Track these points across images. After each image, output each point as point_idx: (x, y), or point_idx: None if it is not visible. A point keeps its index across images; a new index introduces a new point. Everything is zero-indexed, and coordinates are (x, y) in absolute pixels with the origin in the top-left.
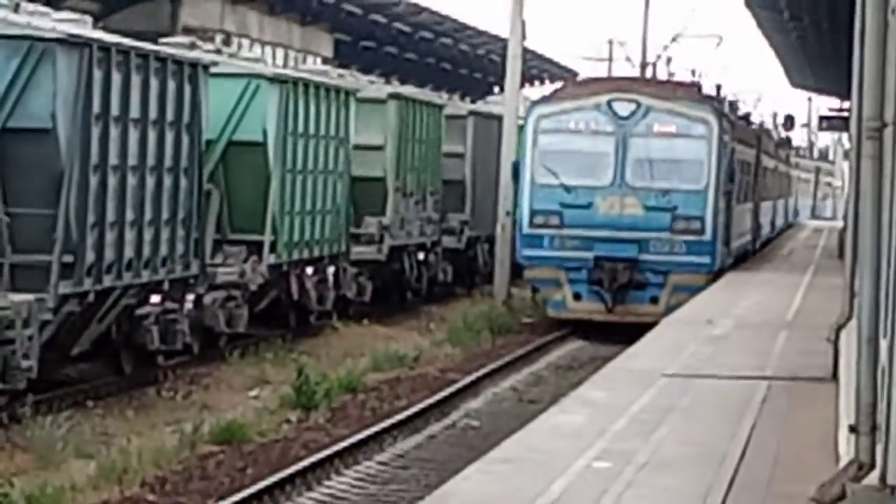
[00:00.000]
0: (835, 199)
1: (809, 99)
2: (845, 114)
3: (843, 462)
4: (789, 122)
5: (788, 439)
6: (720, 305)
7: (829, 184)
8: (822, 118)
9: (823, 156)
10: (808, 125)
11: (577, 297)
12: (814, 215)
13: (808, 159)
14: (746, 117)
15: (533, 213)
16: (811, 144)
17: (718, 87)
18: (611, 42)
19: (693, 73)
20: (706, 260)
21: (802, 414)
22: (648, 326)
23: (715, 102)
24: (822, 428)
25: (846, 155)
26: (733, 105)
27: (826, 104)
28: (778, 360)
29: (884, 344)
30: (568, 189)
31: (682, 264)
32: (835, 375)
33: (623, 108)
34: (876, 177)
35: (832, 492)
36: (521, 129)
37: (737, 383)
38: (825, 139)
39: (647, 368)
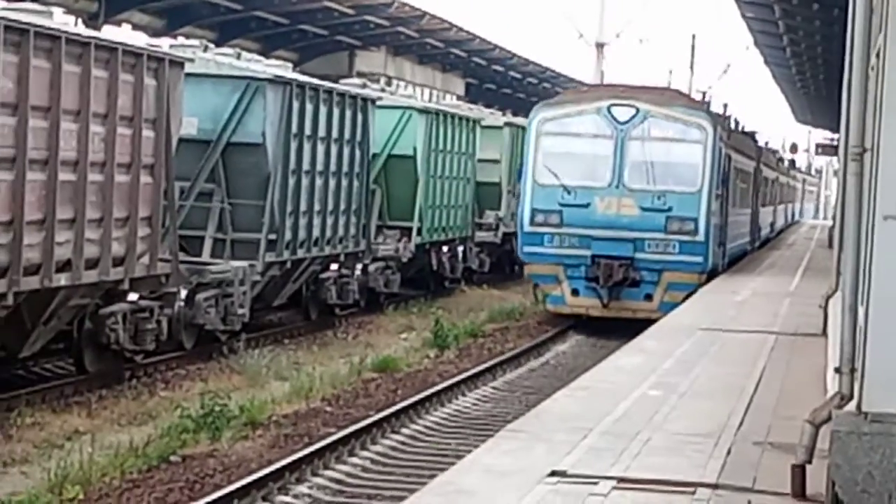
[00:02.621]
0: (825, 203)
1: (809, 131)
2: (835, 142)
3: (829, 394)
4: (794, 147)
5: (790, 377)
6: (741, 280)
7: (811, 192)
8: (818, 145)
9: (818, 172)
10: (807, 150)
11: (574, 292)
12: (801, 216)
13: (801, 174)
14: (751, 134)
15: (534, 211)
16: (809, 165)
17: (725, 106)
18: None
19: (703, 94)
20: (699, 259)
21: (800, 359)
22: (643, 322)
23: (713, 112)
24: (814, 370)
25: (835, 173)
26: (737, 122)
27: (821, 135)
28: (783, 320)
29: (861, 310)
30: (568, 189)
31: (676, 263)
32: (824, 332)
33: (622, 114)
34: (857, 188)
35: (822, 415)
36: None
37: (753, 336)
38: (820, 161)
39: (688, 324)
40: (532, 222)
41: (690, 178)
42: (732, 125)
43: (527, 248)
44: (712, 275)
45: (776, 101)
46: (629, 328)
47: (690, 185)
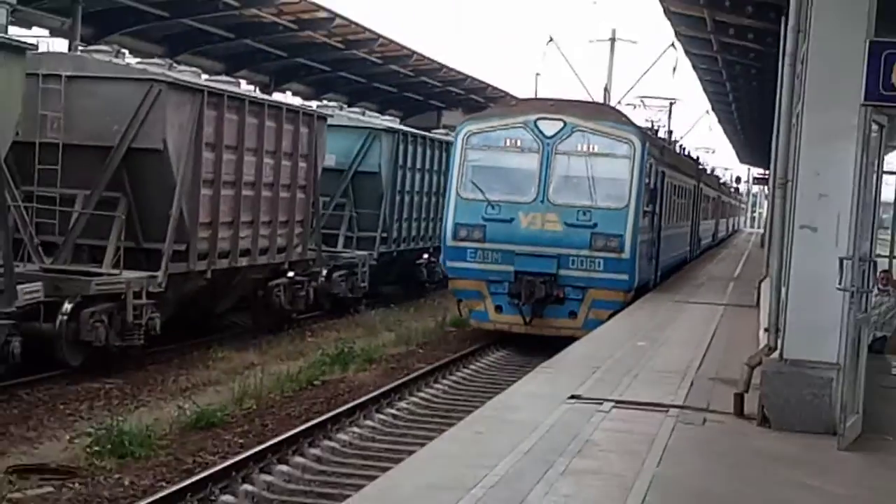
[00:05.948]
0: (758, 218)
1: (748, 168)
2: (766, 175)
3: (761, 346)
4: (738, 179)
5: (734, 334)
6: (701, 269)
7: (743, 209)
8: (755, 178)
9: (755, 196)
10: (747, 182)
11: (498, 309)
12: (738, 227)
13: (740, 196)
14: (694, 158)
15: (457, 226)
16: (749, 191)
17: (670, 132)
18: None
19: (651, 123)
20: (624, 277)
21: (741, 322)
22: (568, 339)
23: (643, 129)
24: (751, 329)
25: (766, 196)
26: (682, 147)
27: (756, 171)
28: (729, 296)
29: (783, 290)
30: (492, 204)
31: (601, 280)
32: (757, 304)
33: (549, 127)
34: (782, 206)
35: (755, 360)
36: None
37: (709, 306)
38: (755, 188)
39: (663, 298)
40: (455, 237)
41: (617, 193)
42: (677, 150)
43: (450, 263)
44: (642, 290)
45: (728, 149)
46: None
47: (617, 200)
